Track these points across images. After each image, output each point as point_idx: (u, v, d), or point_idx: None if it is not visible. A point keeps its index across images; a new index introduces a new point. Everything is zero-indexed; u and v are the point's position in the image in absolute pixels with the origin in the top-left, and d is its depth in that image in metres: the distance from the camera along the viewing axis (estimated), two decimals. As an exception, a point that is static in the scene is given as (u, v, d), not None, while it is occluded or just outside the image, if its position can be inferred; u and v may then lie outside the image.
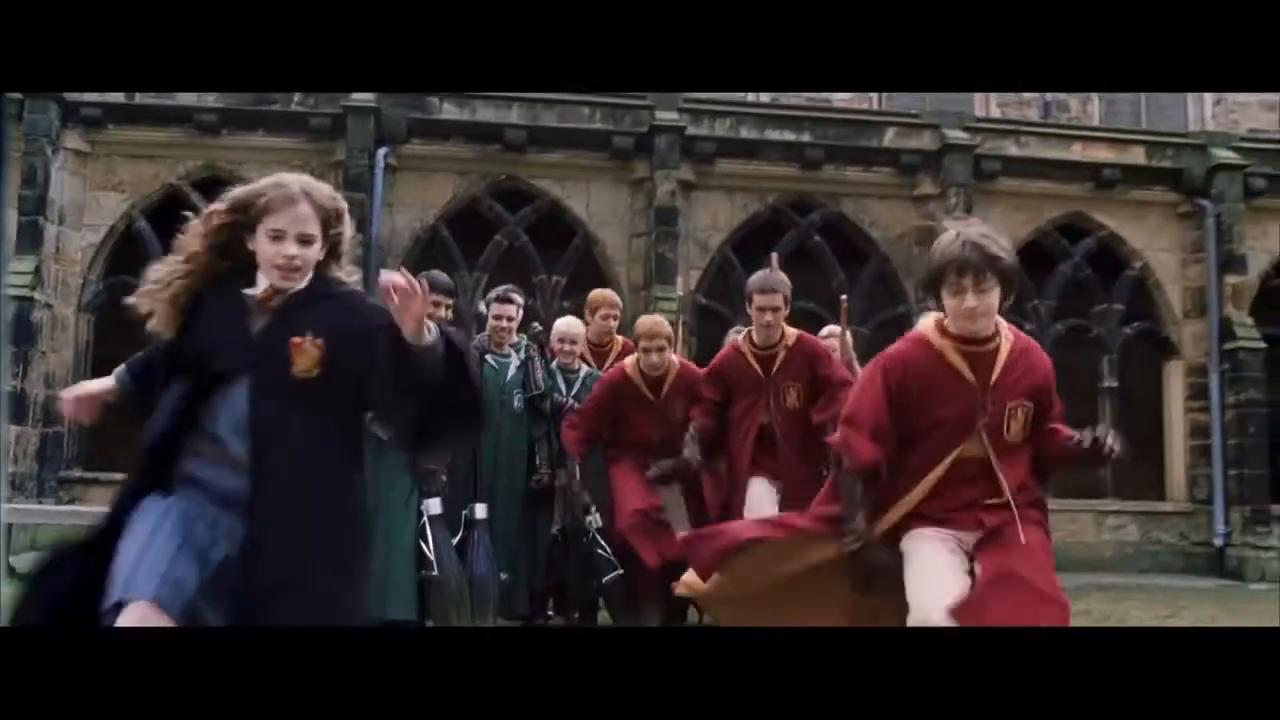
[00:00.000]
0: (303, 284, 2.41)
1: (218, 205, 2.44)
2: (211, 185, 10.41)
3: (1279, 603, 8.11)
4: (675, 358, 5.38)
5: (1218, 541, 10.99)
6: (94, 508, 9.12)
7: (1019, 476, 3.01)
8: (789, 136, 10.99)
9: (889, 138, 11.27)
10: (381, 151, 10.29)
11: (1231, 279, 11.22)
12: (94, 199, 10.35)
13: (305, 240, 2.38)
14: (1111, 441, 2.90)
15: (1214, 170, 11.32)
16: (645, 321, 5.43)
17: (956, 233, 2.93)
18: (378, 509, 4.73)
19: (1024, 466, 3.05)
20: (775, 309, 4.87)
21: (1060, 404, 3.08)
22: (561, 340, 5.54)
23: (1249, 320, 11.19)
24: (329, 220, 2.43)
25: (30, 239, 9.80)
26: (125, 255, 10.45)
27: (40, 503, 9.46)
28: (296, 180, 2.43)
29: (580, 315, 6.01)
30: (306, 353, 2.33)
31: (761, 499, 4.88)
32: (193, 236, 2.42)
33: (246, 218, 2.38)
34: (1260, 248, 11.50)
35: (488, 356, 5.44)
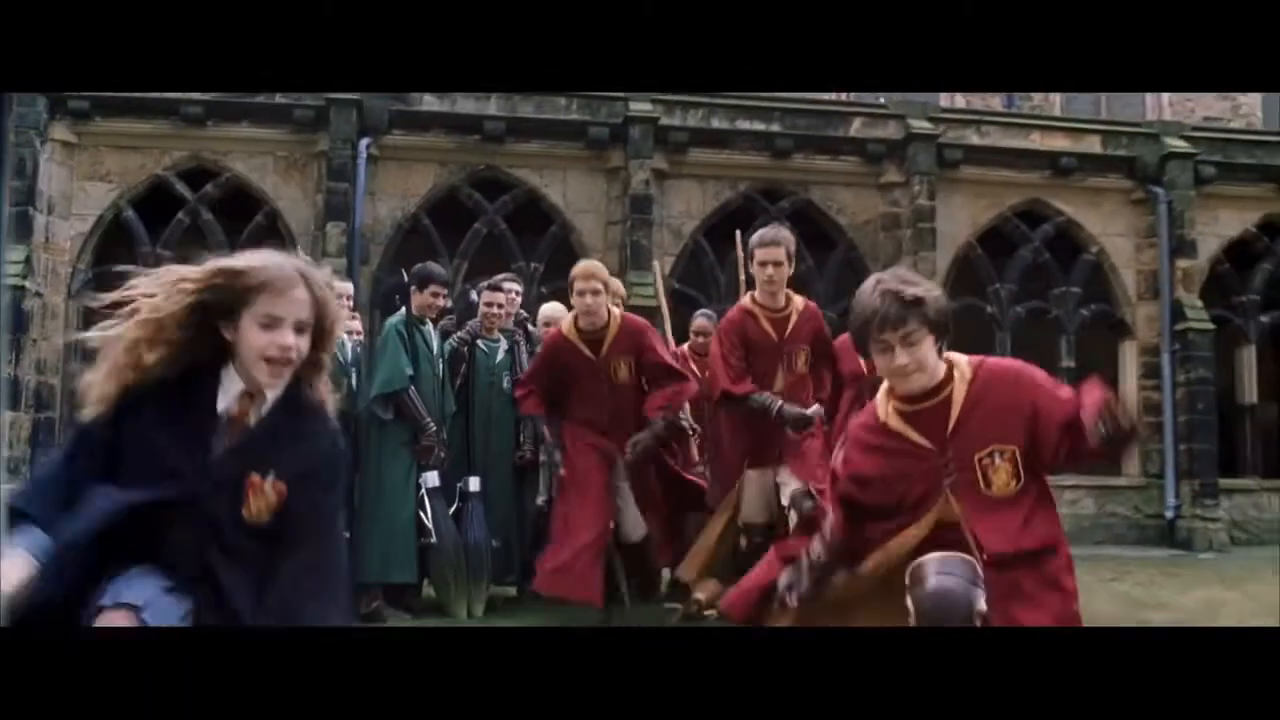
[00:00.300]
0: (278, 390, 2.08)
1: (189, 274, 2.04)
2: (197, 175, 10.70)
3: (1218, 569, 8.61)
4: (616, 310, 5.09)
5: (1169, 514, 11.51)
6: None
7: (1011, 529, 2.62)
8: (759, 127, 11.34)
9: (855, 127, 11.64)
10: (364, 142, 10.56)
11: (1182, 263, 11.70)
12: (81, 189, 10.55)
13: (301, 329, 2.04)
14: (1122, 420, 2.47)
15: (1166, 158, 11.78)
16: (580, 264, 5.08)
17: (876, 280, 2.69)
18: (380, 483, 5.10)
19: (1021, 515, 2.65)
20: (778, 263, 4.66)
21: (1066, 411, 2.64)
22: (546, 324, 5.87)
23: (1199, 303, 11.68)
24: (323, 313, 2.08)
25: (20, 229, 10.02)
26: (113, 245, 10.71)
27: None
28: (290, 261, 2.10)
29: (564, 300, 6.05)
30: (263, 496, 2.02)
31: (765, 474, 4.79)
32: (157, 302, 2.02)
33: (229, 297, 2.02)
34: (1210, 233, 11.98)
35: (479, 341, 5.79)
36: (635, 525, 5.03)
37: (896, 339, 2.58)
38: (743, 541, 4.92)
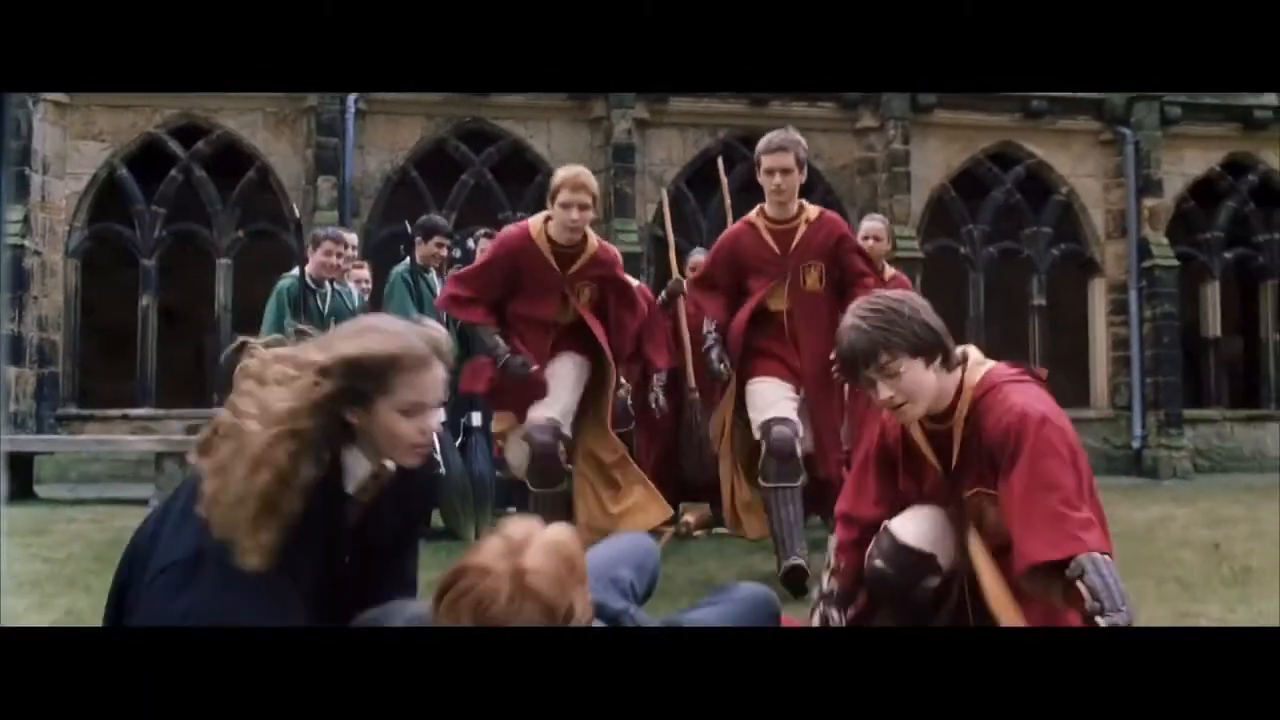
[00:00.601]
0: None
1: (317, 363, 1.83)
2: (189, 132, 10.90)
3: (1175, 492, 9.09)
4: (594, 236, 4.45)
5: (1135, 444, 11.99)
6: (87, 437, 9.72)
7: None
8: (737, 75, 11.57)
9: (831, 74, 11.88)
10: (351, 97, 10.77)
11: (1149, 202, 12.07)
12: (75, 148, 10.75)
13: (440, 405, 1.94)
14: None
15: (1133, 100, 12.10)
16: (568, 169, 4.35)
17: (850, 311, 2.47)
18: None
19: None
20: (786, 170, 4.22)
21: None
22: None
23: (1164, 241, 12.07)
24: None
25: (17, 189, 10.24)
26: (108, 203, 10.94)
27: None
28: (419, 333, 1.93)
29: None
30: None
31: (778, 401, 4.21)
32: (288, 405, 1.78)
33: (364, 387, 1.85)
34: (1176, 172, 12.34)
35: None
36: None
37: (874, 374, 2.36)
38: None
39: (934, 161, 11.92)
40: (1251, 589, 4.23)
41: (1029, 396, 2.39)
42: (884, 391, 2.38)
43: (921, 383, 2.38)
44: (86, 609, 3.57)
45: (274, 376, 1.83)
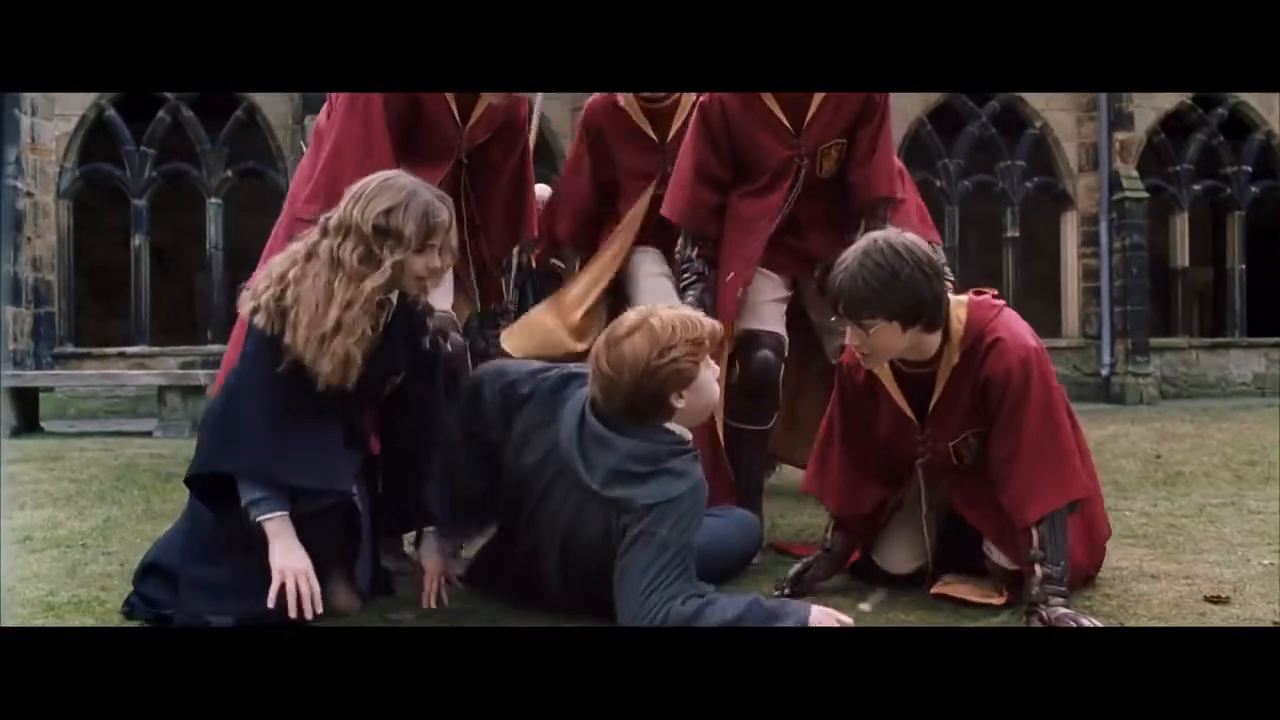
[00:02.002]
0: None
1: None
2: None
3: (1136, 415, 9.48)
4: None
5: (1104, 371, 12.39)
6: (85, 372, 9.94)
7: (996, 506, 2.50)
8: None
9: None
10: (335, 37, 10.85)
11: (1120, 135, 12.32)
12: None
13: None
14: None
15: (1106, 34, 12.28)
16: None
17: (854, 250, 2.40)
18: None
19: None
20: None
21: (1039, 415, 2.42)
22: None
23: (1135, 173, 12.35)
24: None
25: (8, 130, 10.37)
26: (97, 144, 11.07)
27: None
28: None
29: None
30: None
31: (771, 306, 3.34)
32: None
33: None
34: (1147, 106, 12.56)
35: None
36: None
37: (848, 321, 2.39)
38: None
39: (911, 96, 12.11)
40: (1178, 489, 4.61)
41: (1019, 328, 2.47)
42: (851, 338, 2.41)
43: (890, 344, 2.40)
44: (122, 517, 3.92)
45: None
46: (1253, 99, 12.80)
